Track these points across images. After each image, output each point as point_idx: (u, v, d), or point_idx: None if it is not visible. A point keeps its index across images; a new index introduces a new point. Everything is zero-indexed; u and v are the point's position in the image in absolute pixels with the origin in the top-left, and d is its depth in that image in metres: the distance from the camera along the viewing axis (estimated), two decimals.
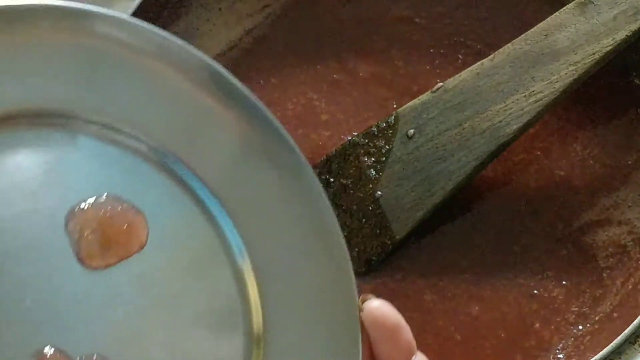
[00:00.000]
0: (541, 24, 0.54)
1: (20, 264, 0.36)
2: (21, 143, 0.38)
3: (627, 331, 0.50)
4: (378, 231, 0.55)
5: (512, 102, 0.53)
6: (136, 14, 0.57)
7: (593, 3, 0.53)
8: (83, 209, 0.37)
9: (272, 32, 0.63)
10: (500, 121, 0.53)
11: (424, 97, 0.55)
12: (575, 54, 0.52)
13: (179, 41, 0.38)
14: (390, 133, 0.55)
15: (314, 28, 0.63)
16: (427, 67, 0.62)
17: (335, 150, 0.57)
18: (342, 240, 0.39)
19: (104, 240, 0.37)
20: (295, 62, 0.62)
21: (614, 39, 0.52)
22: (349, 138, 0.57)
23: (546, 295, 0.55)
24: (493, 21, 0.63)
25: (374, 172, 0.55)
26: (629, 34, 0.52)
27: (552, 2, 0.57)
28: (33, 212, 0.37)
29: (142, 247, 0.38)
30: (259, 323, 0.38)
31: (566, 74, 0.52)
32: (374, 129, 0.56)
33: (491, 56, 0.55)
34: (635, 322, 0.50)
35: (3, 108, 0.37)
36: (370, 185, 0.55)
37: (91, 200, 0.37)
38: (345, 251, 0.39)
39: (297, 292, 0.38)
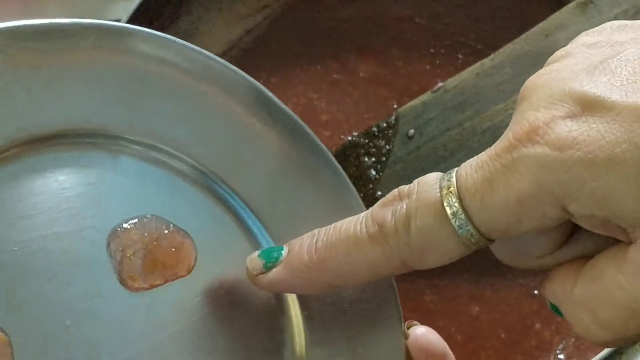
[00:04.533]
0: (541, 23, 0.54)
1: (62, 284, 0.36)
2: (63, 163, 0.37)
3: None
4: None
5: (513, 102, 0.53)
6: (136, 14, 0.57)
7: (594, 3, 0.53)
8: (126, 229, 0.37)
9: (272, 32, 0.63)
10: (501, 121, 0.53)
11: (424, 97, 0.55)
12: None
13: (221, 60, 0.38)
14: (391, 133, 0.55)
15: (314, 28, 0.63)
16: (427, 67, 0.62)
17: (336, 150, 0.57)
18: None
19: (150, 262, 0.36)
20: (295, 62, 0.62)
21: None
22: (349, 138, 0.57)
23: None
24: (493, 21, 0.63)
25: (374, 172, 0.55)
26: None
27: (552, 2, 0.57)
28: (75, 232, 0.36)
29: (189, 271, 0.37)
30: (302, 348, 0.38)
31: None
32: (374, 129, 0.56)
33: (491, 56, 0.55)
34: None
35: (44, 128, 0.37)
36: (371, 186, 0.55)
37: (134, 220, 0.37)
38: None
39: (339, 315, 0.38)
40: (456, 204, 0.32)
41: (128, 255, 0.36)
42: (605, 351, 0.49)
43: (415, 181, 0.34)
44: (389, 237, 0.33)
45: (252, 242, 0.38)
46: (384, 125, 0.56)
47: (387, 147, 0.55)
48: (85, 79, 0.37)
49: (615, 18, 0.52)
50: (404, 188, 0.34)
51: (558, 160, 0.30)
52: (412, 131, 0.55)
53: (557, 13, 0.54)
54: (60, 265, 0.36)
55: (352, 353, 0.38)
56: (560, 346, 0.54)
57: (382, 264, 0.34)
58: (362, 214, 0.35)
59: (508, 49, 0.54)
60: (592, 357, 0.49)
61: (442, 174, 0.33)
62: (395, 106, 0.59)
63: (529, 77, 0.55)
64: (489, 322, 0.54)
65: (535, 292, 0.55)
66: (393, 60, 0.62)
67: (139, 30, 0.38)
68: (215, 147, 0.38)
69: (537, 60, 0.54)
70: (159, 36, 0.38)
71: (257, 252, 0.37)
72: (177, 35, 0.61)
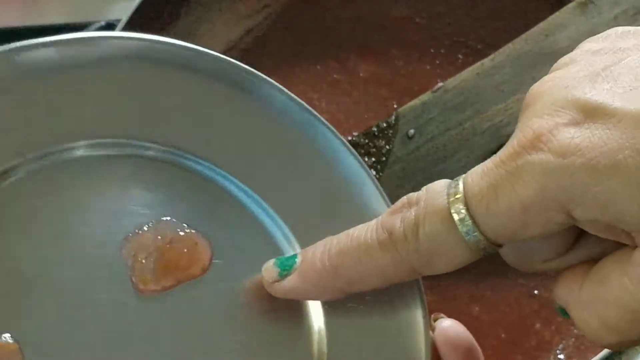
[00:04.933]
0: (541, 23, 0.54)
1: (76, 290, 0.36)
2: (77, 169, 0.37)
3: None
4: None
5: (513, 102, 0.53)
6: (136, 14, 0.57)
7: (594, 3, 0.53)
8: (139, 233, 0.37)
9: (272, 32, 0.63)
10: (501, 121, 0.53)
11: (424, 97, 0.55)
12: None
13: (231, 60, 0.39)
14: (391, 133, 0.55)
15: (314, 28, 0.63)
16: (427, 67, 0.62)
17: None
18: None
19: (162, 264, 0.36)
20: (295, 62, 0.62)
21: None
22: (349, 138, 0.57)
23: (547, 295, 0.55)
24: (493, 21, 0.63)
25: (374, 172, 0.55)
26: None
27: (552, 2, 0.57)
28: (89, 238, 0.36)
29: (204, 272, 0.37)
30: (322, 344, 0.37)
31: None
32: (374, 129, 0.56)
33: (491, 56, 0.55)
34: None
35: (59, 135, 0.37)
36: None
37: (149, 224, 0.37)
38: None
39: (361, 310, 0.38)
40: (463, 211, 0.32)
41: (140, 259, 0.36)
42: (606, 351, 0.49)
43: (424, 188, 0.35)
44: (398, 244, 0.34)
45: (270, 241, 0.38)
46: (384, 125, 0.56)
47: (387, 147, 0.55)
48: (99, 86, 0.38)
49: (615, 18, 0.52)
50: (413, 195, 0.35)
51: (561, 166, 0.30)
52: (412, 131, 0.55)
53: (557, 13, 0.54)
54: (73, 272, 0.36)
55: (375, 348, 0.37)
56: (560, 346, 0.54)
57: (393, 270, 0.34)
58: (373, 222, 0.35)
59: (508, 49, 0.54)
60: (592, 357, 0.49)
61: (450, 180, 0.34)
62: (395, 106, 0.59)
63: (529, 77, 0.55)
64: (489, 322, 0.54)
65: (536, 292, 0.55)
66: (393, 60, 0.62)
67: (151, 38, 0.38)
68: (231, 147, 0.38)
69: (537, 60, 0.54)
70: (169, 42, 0.39)
71: (272, 261, 0.37)
72: (177, 35, 0.61)
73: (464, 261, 0.33)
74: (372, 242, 0.34)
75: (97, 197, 0.37)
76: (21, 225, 0.36)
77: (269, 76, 0.62)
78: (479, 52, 0.61)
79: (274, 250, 0.38)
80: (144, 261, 0.36)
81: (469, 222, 0.32)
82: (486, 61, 0.54)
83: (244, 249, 0.38)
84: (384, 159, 0.55)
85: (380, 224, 0.35)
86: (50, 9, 0.69)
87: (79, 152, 0.37)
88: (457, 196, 0.33)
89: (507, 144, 0.32)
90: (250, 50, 0.63)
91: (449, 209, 0.33)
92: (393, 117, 0.56)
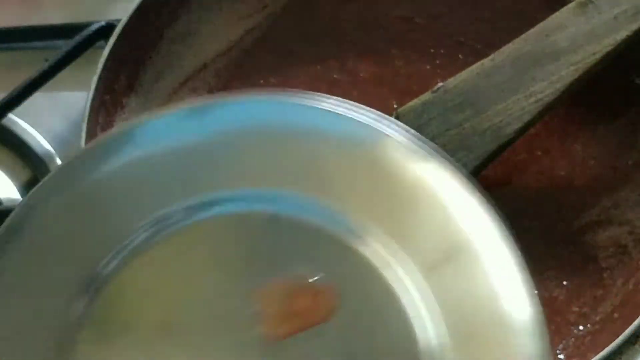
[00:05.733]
0: (541, 23, 0.54)
1: (202, 340, 0.37)
2: (209, 229, 0.39)
3: (627, 331, 0.50)
4: None
5: (513, 102, 0.53)
6: (136, 14, 0.57)
7: (593, 3, 0.53)
8: (266, 284, 0.38)
9: (272, 32, 0.63)
10: (501, 121, 0.53)
11: (424, 97, 0.55)
12: (576, 53, 0.52)
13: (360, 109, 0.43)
14: None
15: (314, 28, 0.63)
16: (427, 67, 0.62)
17: None
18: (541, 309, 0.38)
19: (286, 311, 0.37)
20: (295, 62, 0.62)
21: (615, 38, 0.52)
22: None
23: (546, 295, 0.55)
24: (493, 21, 0.63)
25: None
26: (629, 34, 0.52)
27: (552, 2, 0.57)
28: (217, 292, 0.38)
29: (327, 317, 0.37)
30: None
31: (567, 74, 0.52)
32: None
33: (491, 56, 0.54)
34: (636, 322, 0.50)
35: (202, 195, 0.39)
36: None
37: (276, 276, 0.38)
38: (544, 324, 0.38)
39: None
40: None
41: (265, 307, 0.38)
42: (605, 351, 0.49)
43: None
44: None
45: (393, 292, 0.38)
46: None
47: None
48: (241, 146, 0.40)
49: (615, 18, 0.52)
50: None
51: None
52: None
53: (557, 13, 0.54)
54: (200, 321, 0.38)
55: None
56: (560, 346, 0.54)
57: None
58: None
59: (508, 49, 0.54)
60: (593, 357, 0.49)
61: None
62: (395, 106, 0.59)
63: (528, 77, 0.55)
64: None
65: (535, 292, 0.55)
66: (393, 60, 0.62)
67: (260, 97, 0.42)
68: (353, 196, 0.39)
69: (538, 60, 0.54)
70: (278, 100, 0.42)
71: None
72: (177, 35, 0.61)
73: None
74: None
75: (226, 253, 0.39)
76: (151, 284, 0.38)
77: (269, 76, 0.62)
78: (479, 52, 0.61)
79: (397, 300, 0.38)
80: (269, 309, 0.37)
81: None
82: (486, 61, 0.54)
83: (369, 298, 0.38)
84: None
85: None
86: (50, 9, 0.69)
87: (210, 212, 0.39)
88: None
89: None
90: (250, 50, 0.63)
91: None
92: (393, 117, 0.56)
